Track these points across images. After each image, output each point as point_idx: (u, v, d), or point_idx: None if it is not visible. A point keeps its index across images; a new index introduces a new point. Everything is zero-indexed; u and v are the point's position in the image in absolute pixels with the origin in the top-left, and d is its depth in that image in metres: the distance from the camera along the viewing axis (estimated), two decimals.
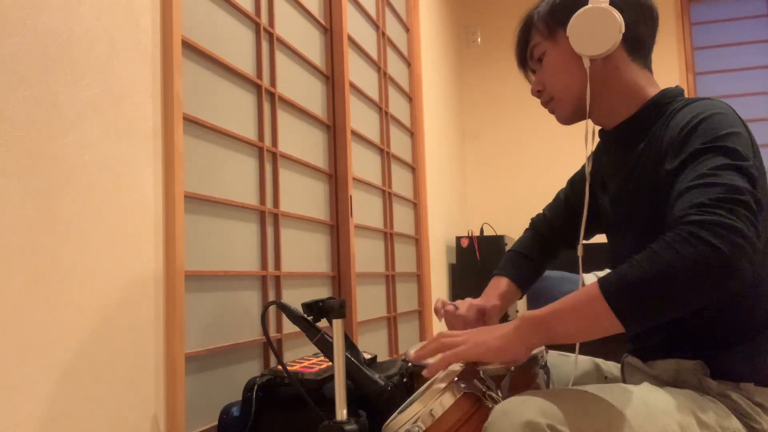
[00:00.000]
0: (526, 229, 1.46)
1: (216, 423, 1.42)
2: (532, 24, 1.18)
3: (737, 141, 0.93)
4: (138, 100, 1.29)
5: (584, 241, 1.24)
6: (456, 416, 0.92)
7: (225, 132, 1.61)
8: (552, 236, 1.41)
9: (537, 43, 1.17)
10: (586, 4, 1.08)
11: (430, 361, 0.99)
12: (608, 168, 1.21)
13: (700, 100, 1.04)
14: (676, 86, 1.13)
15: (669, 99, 1.10)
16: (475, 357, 0.97)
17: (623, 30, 1.06)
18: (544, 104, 1.21)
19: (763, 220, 0.89)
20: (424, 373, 0.97)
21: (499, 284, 1.36)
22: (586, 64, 1.10)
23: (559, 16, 1.12)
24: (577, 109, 1.16)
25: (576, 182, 1.38)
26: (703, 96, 1.08)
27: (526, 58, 1.22)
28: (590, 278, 3.27)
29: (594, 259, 1.48)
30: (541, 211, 1.46)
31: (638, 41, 1.11)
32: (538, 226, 1.44)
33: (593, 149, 1.26)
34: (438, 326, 3.11)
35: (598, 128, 1.21)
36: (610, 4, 1.07)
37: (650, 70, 1.15)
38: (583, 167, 1.35)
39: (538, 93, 1.21)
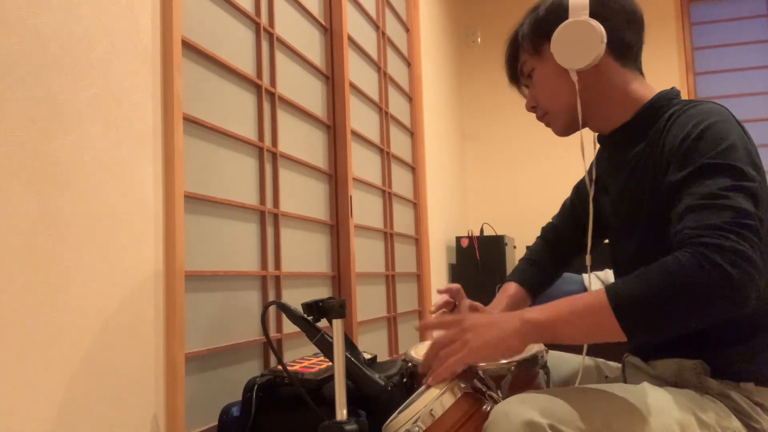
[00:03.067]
0: (537, 237, 1.48)
1: (216, 423, 1.41)
2: (518, 43, 1.20)
3: (740, 155, 0.95)
4: (138, 100, 1.29)
5: (592, 246, 1.25)
6: (456, 416, 0.92)
7: (225, 132, 1.61)
8: (561, 244, 1.42)
9: (525, 60, 1.19)
10: (568, 18, 1.08)
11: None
12: (608, 171, 1.21)
13: (698, 104, 1.04)
14: (672, 88, 1.13)
15: (665, 101, 1.10)
16: (478, 361, 0.97)
17: (605, 40, 1.07)
18: (540, 119, 1.23)
19: (765, 235, 0.91)
20: (429, 381, 0.97)
21: (508, 289, 1.39)
22: (574, 77, 1.11)
23: (543, 33, 1.13)
24: (572, 121, 1.17)
25: (580, 188, 1.39)
26: (702, 97, 1.08)
27: (516, 75, 1.23)
28: (591, 278, 3.26)
29: (594, 259, 1.49)
30: (550, 220, 1.48)
31: (625, 46, 1.12)
32: (547, 234, 1.45)
33: (595, 154, 1.26)
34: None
35: (596, 134, 1.21)
36: (592, 13, 1.07)
37: (641, 72, 1.16)
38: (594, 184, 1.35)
39: (532, 108, 1.23)
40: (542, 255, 1.43)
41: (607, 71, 1.11)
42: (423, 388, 1.00)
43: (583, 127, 1.18)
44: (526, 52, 1.18)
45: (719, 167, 0.94)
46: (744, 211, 0.89)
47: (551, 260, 1.42)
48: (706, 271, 0.85)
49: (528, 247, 1.49)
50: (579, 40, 1.07)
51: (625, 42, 1.11)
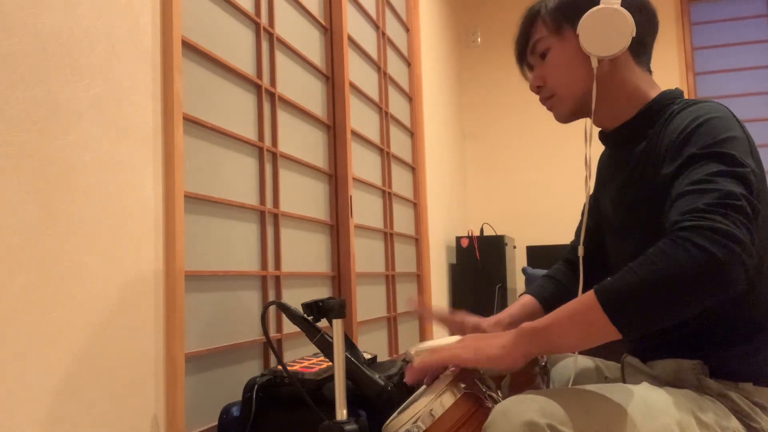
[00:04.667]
0: (558, 262, 1.44)
1: (216, 423, 1.42)
2: (537, 17, 1.16)
3: (734, 146, 0.94)
4: (138, 100, 1.29)
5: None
6: (456, 416, 0.92)
7: (225, 132, 1.61)
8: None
9: (542, 37, 1.15)
10: (596, 3, 1.07)
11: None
12: (609, 169, 1.21)
13: (699, 102, 1.04)
14: (676, 88, 1.13)
15: (669, 101, 1.10)
16: (472, 363, 0.96)
17: (635, 33, 1.06)
18: (543, 101, 1.20)
19: (760, 225, 0.89)
20: (414, 363, 0.96)
21: (522, 299, 1.36)
22: (594, 64, 1.09)
23: (568, 13, 1.11)
24: (578, 107, 1.15)
25: (591, 201, 1.36)
26: (703, 96, 1.08)
27: (526, 52, 1.20)
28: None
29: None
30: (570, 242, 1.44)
31: (642, 45, 1.12)
32: (567, 254, 1.41)
33: (599, 154, 1.25)
34: (438, 327, 3.11)
35: (597, 130, 1.20)
36: (622, 4, 1.06)
37: (650, 72, 1.16)
38: (595, 185, 1.33)
39: (537, 89, 1.19)
40: (562, 272, 1.38)
41: (622, 65, 1.11)
42: (423, 387, 1.00)
43: (585, 116, 1.17)
44: (546, 29, 1.14)
45: (709, 155, 0.93)
46: (730, 192, 0.87)
47: (572, 276, 1.37)
48: (686, 252, 0.83)
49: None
50: (608, 28, 1.06)
51: (643, 41, 1.11)
